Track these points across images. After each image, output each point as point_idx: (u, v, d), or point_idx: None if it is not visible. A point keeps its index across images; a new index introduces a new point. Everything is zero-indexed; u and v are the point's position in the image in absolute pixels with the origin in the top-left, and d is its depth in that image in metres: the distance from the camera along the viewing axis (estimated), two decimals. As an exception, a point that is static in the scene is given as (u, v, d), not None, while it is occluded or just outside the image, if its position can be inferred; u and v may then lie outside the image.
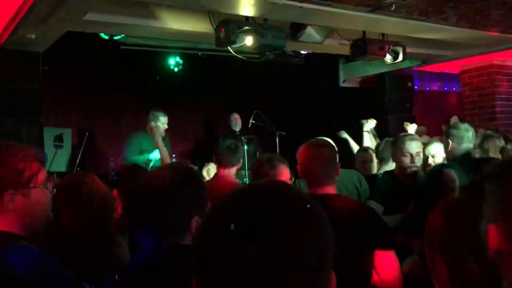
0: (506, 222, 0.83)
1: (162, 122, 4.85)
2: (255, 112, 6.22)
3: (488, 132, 4.43)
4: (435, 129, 7.81)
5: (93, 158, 6.57)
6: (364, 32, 4.85)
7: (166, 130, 4.88)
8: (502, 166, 0.93)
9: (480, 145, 3.94)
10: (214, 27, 3.91)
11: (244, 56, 4.36)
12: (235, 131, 6.56)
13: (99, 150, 6.79)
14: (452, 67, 6.98)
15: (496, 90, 6.34)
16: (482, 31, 4.89)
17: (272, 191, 0.72)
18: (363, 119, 5.11)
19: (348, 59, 6.48)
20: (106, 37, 4.63)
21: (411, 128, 4.74)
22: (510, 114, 6.36)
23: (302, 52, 6.18)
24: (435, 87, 8.59)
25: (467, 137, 3.27)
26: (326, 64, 7.00)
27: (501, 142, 3.92)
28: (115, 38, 4.65)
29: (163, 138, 4.61)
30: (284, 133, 6.27)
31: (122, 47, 5.22)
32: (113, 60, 6.23)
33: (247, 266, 0.62)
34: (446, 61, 6.29)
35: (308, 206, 0.70)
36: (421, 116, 7.53)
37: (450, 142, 3.29)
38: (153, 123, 4.70)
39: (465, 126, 3.36)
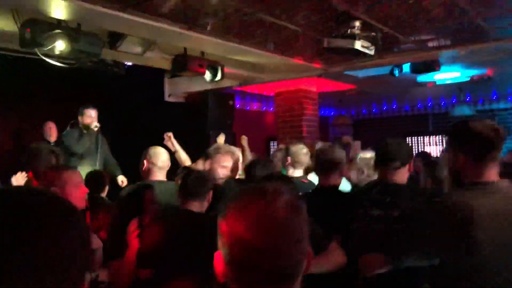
0: (222, 250, 0.97)
1: (87, 115, 5.09)
2: (72, 122, 5.85)
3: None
4: (255, 146, 8.37)
5: None
6: (185, 49, 4.98)
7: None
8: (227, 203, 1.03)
9: None
10: (19, 26, 3.58)
11: (55, 61, 4.07)
12: (48, 142, 6.06)
13: None
14: (269, 89, 7.61)
15: (303, 112, 7.12)
16: (290, 58, 5.46)
17: (25, 197, 0.74)
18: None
19: (173, 73, 6.57)
20: None
21: (221, 139, 4.95)
22: (313, 134, 7.20)
23: (128, 63, 6.05)
24: (254, 106, 9.25)
25: None
26: (151, 77, 6.97)
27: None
28: None
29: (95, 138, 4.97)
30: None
31: None
32: None
33: None
34: (262, 83, 6.83)
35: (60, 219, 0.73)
36: (241, 133, 7.99)
37: None
38: None
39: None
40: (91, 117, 5.21)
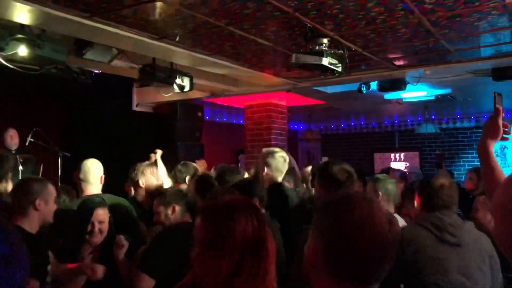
0: (318, 241, 1.11)
1: None
2: (34, 129, 5.69)
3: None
4: (224, 158, 8.34)
5: None
6: (154, 59, 4.92)
7: None
8: (321, 204, 1.21)
9: None
10: (-21, 29, 3.46)
11: (17, 66, 3.95)
12: (10, 150, 5.86)
13: None
14: (239, 102, 7.61)
15: (272, 126, 7.14)
16: (259, 72, 5.47)
17: None
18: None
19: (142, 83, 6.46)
20: None
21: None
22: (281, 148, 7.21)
23: (96, 71, 5.93)
24: (224, 119, 9.22)
25: None
26: (119, 86, 6.85)
27: None
28: None
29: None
30: (68, 154, 5.88)
31: None
32: None
33: None
34: (231, 95, 6.81)
35: None
36: (210, 145, 7.96)
37: None
38: None
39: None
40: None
